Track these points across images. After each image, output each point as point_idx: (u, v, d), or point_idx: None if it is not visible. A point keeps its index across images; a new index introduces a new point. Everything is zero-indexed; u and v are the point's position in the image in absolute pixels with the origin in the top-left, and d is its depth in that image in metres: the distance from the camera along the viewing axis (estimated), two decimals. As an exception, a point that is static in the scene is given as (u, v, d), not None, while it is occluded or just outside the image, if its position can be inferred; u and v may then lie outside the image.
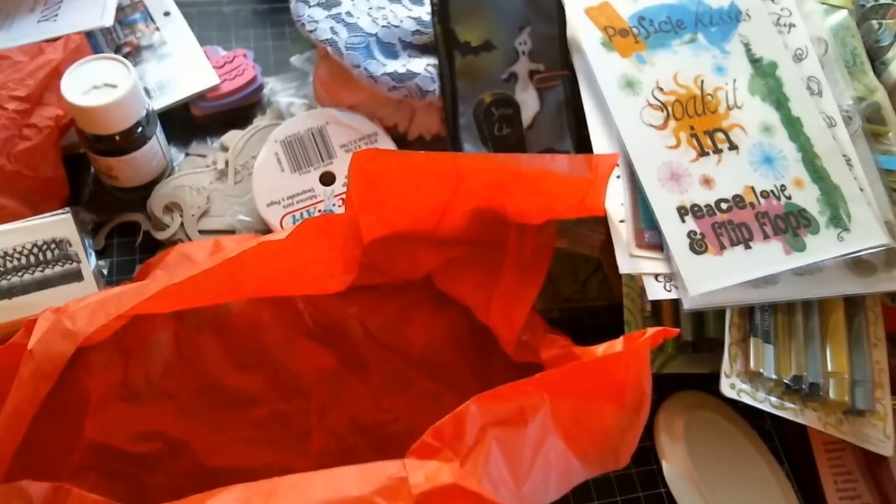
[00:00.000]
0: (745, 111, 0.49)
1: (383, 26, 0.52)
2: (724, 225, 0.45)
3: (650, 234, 0.45)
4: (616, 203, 0.46)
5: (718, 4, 0.52)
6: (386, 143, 0.53)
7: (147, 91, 0.57)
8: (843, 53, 0.52)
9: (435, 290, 0.50)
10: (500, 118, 0.51)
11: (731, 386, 0.44)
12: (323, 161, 0.52)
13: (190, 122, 0.59)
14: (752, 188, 0.47)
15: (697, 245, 0.44)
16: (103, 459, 0.43)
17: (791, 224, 0.46)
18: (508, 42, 0.51)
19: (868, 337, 0.47)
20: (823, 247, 0.46)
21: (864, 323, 0.47)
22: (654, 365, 0.46)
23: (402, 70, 0.50)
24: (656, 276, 0.44)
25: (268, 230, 0.51)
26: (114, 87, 0.48)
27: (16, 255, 0.45)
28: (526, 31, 0.52)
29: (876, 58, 0.53)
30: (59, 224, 0.46)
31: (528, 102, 0.51)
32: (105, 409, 0.44)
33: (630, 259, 0.44)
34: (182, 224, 0.52)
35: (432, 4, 0.51)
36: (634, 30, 0.50)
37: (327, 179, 0.52)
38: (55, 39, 0.54)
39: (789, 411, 0.44)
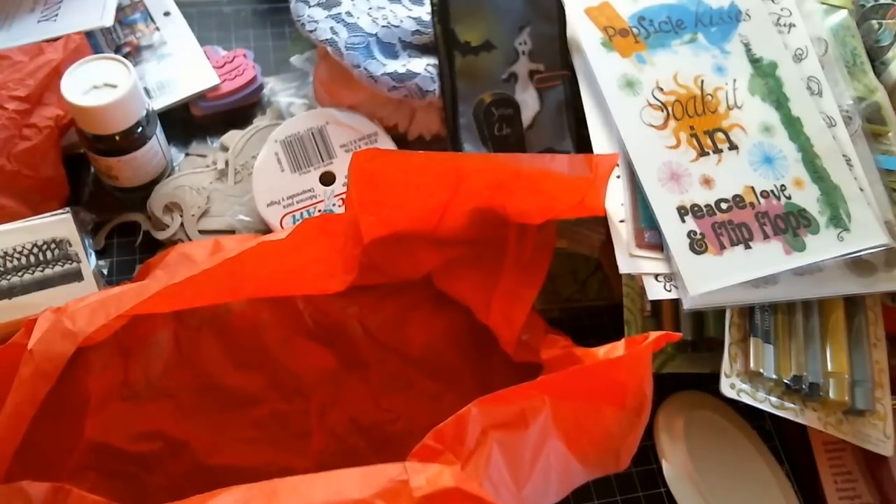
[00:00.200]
0: (745, 111, 0.49)
1: (383, 26, 0.52)
2: (724, 225, 0.45)
3: (650, 234, 0.45)
4: (616, 203, 0.46)
5: (718, 4, 0.52)
6: (386, 143, 0.53)
7: (147, 91, 0.57)
8: (843, 53, 0.52)
9: (435, 290, 0.50)
10: (500, 118, 0.51)
11: (731, 386, 0.44)
12: (323, 161, 0.52)
13: (190, 122, 0.59)
14: (752, 188, 0.47)
15: (697, 245, 0.44)
16: (103, 459, 0.43)
17: (791, 224, 0.46)
18: (508, 42, 0.51)
19: (868, 337, 0.47)
20: (823, 247, 0.46)
21: (864, 323, 0.47)
22: (653, 365, 0.46)
23: (402, 70, 0.50)
24: (656, 276, 0.44)
25: (268, 230, 0.51)
26: (114, 87, 0.48)
27: (16, 255, 0.45)
28: (526, 31, 0.52)
29: (876, 58, 0.53)
30: (59, 224, 0.46)
31: (528, 102, 0.51)
32: (105, 409, 0.44)
33: (630, 259, 0.44)
34: (182, 224, 0.52)
35: (432, 4, 0.51)
36: (634, 30, 0.50)
37: (327, 179, 0.52)
38: (55, 39, 0.54)
39: (789, 411, 0.44)
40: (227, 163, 0.55)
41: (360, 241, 0.43)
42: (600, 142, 0.48)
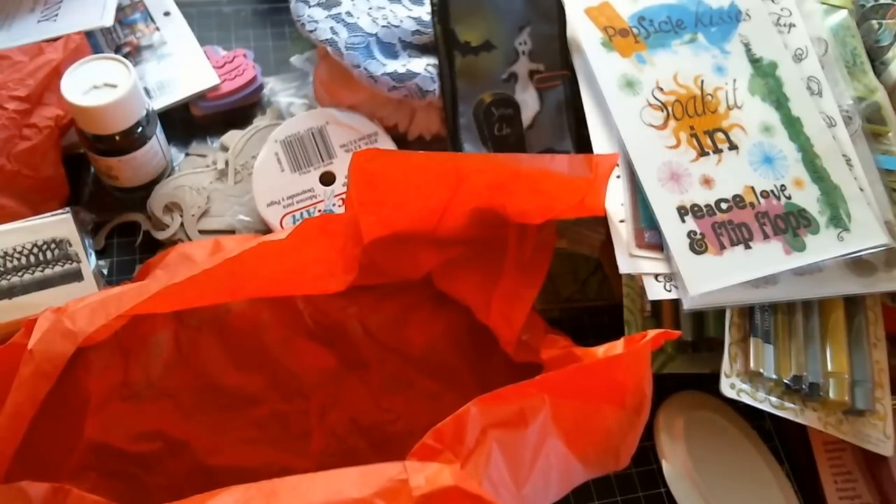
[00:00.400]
0: (745, 111, 0.49)
1: (383, 26, 0.52)
2: (724, 225, 0.45)
3: (650, 234, 0.45)
4: (616, 203, 0.46)
5: (718, 4, 0.52)
6: (386, 143, 0.53)
7: (147, 91, 0.57)
8: (843, 53, 0.52)
9: (435, 290, 0.50)
10: (500, 118, 0.51)
11: (731, 386, 0.44)
12: (323, 161, 0.52)
13: (190, 122, 0.59)
14: (752, 188, 0.47)
15: (697, 245, 0.44)
16: (103, 459, 0.43)
17: (791, 224, 0.46)
18: (508, 42, 0.51)
19: (868, 337, 0.47)
20: (823, 247, 0.46)
21: (864, 323, 0.47)
22: (654, 365, 0.46)
23: (402, 70, 0.50)
24: (656, 276, 0.44)
25: (268, 230, 0.51)
26: (114, 87, 0.48)
27: (16, 255, 0.45)
28: (526, 31, 0.52)
29: (876, 58, 0.53)
30: (59, 224, 0.46)
31: (528, 102, 0.51)
32: (105, 409, 0.44)
33: (630, 259, 0.44)
34: (182, 224, 0.52)
35: (432, 4, 0.51)
36: (634, 30, 0.50)
37: (327, 179, 0.52)
38: (55, 39, 0.54)
39: (789, 411, 0.44)
40: (227, 163, 0.55)
41: (360, 241, 0.43)
42: (600, 142, 0.48)
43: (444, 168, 0.42)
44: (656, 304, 0.46)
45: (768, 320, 0.45)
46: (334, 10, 0.53)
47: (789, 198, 0.47)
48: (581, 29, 0.50)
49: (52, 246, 0.45)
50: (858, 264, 0.46)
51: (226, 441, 0.46)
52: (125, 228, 0.54)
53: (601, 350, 0.40)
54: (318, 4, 0.53)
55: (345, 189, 0.52)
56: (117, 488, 0.43)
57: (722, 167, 0.47)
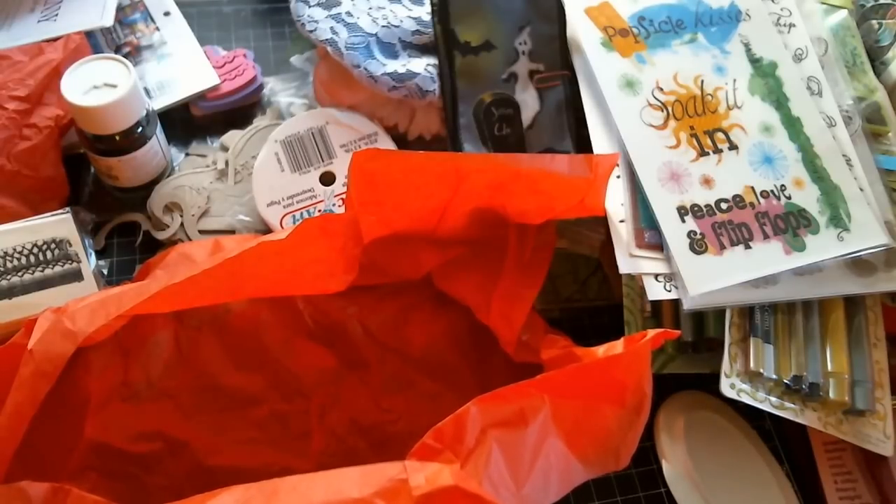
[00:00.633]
0: (745, 111, 0.49)
1: (383, 26, 0.52)
2: (724, 225, 0.45)
3: (650, 234, 0.45)
4: (616, 203, 0.46)
5: (718, 4, 0.52)
6: (386, 143, 0.53)
7: (147, 91, 0.57)
8: (843, 53, 0.52)
9: (435, 290, 0.50)
10: (500, 118, 0.51)
11: (731, 386, 0.44)
12: (323, 161, 0.52)
13: (190, 122, 0.59)
14: (752, 188, 0.47)
15: (697, 245, 0.44)
16: (103, 459, 0.43)
17: (791, 224, 0.46)
18: (508, 42, 0.51)
19: (868, 337, 0.47)
20: (823, 247, 0.46)
21: (864, 323, 0.47)
22: (654, 365, 0.46)
23: (402, 70, 0.50)
24: (656, 276, 0.44)
25: (268, 230, 0.51)
26: (114, 87, 0.48)
27: (16, 255, 0.45)
28: (526, 31, 0.52)
29: (876, 58, 0.53)
30: (59, 224, 0.46)
31: (528, 102, 0.51)
32: (105, 409, 0.44)
33: (630, 259, 0.44)
34: (182, 224, 0.52)
35: (432, 4, 0.51)
36: (634, 30, 0.50)
37: (327, 179, 0.52)
38: (55, 39, 0.54)
39: (789, 411, 0.44)
40: (227, 163, 0.55)
41: (360, 241, 0.43)
42: (600, 142, 0.48)
43: (444, 168, 0.42)
44: (656, 304, 0.46)
45: (768, 320, 0.45)
46: (334, 10, 0.53)
47: (789, 198, 0.47)
48: (581, 29, 0.50)
49: (52, 246, 0.45)
50: (858, 264, 0.46)
51: (226, 441, 0.46)
52: (125, 228, 0.54)
53: (601, 350, 0.40)
54: (318, 4, 0.53)
55: (345, 189, 0.52)
56: (117, 488, 0.43)
57: (722, 167, 0.47)
